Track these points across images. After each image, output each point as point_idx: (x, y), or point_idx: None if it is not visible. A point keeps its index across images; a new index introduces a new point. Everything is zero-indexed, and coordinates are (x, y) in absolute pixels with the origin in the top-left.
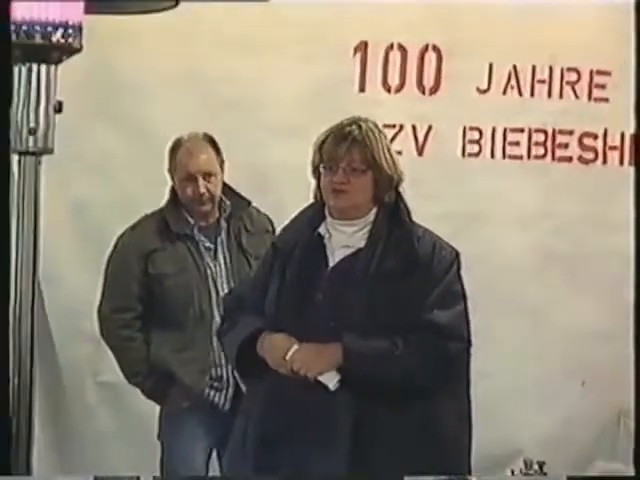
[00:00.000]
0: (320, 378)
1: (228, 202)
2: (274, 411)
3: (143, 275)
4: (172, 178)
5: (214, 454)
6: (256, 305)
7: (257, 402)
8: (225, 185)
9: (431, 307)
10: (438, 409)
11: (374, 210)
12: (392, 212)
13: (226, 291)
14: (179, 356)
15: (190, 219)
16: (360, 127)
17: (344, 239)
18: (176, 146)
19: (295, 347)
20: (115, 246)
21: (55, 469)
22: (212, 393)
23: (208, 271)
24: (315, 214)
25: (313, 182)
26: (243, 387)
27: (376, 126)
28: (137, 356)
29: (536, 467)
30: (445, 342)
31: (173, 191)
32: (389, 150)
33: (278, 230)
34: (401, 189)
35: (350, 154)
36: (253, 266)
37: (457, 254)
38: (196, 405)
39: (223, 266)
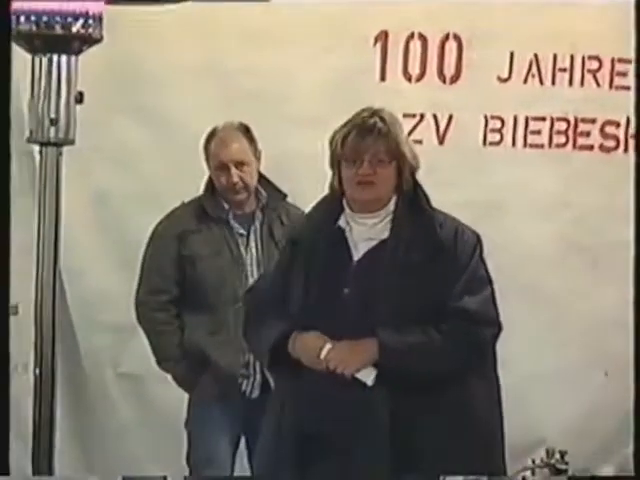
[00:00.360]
0: (357, 375)
1: (264, 193)
2: (310, 409)
3: (177, 256)
4: (209, 168)
5: (242, 443)
6: (280, 303)
7: (291, 400)
8: (262, 177)
9: (460, 294)
10: (472, 393)
11: (393, 200)
12: (412, 200)
13: (255, 278)
14: (213, 339)
15: (226, 205)
16: (383, 119)
17: (366, 231)
18: (211, 136)
19: (328, 345)
20: (153, 231)
21: (77, 462)
22: (240, 380)
23: (241, 257)
24: (333, 207)
25: (330, 174)
26: (272, 383)
27: (394, 116)
28: (171, 340)
29: (558, 456)
30: (477, 328)
31: (210, 180)
32: (407, 139)
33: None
34: (417, 177)
35: (376, 146)
36: None
37: (478, 237)
38: (224, 393)
39: (254, 254)
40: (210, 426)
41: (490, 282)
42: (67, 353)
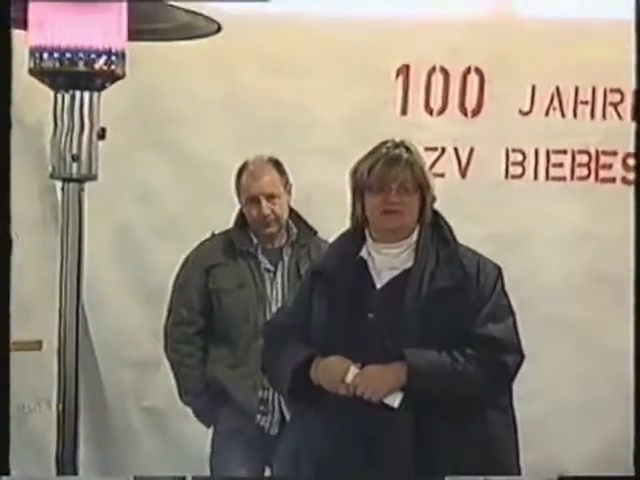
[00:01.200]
0: (388, 403)
1: (295, 229)
2: (332, 434)
3: (204, 289)
4: (240, 201)
5: None
6: (299, 332)
7: (310, 427)
8: (293, 212)
9: (484, 321)
10: (492, 421)
11: (416, 230)
12: (435, 231)
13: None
14: (232, 372)
15: (254, 239)
16: (409, 150)
17: (389, 261)
18: (242, 169)
19: (353, 369)
20: (183, 262)
21: None
22: (259, 416)
23: (266, 292)
24: (355, 238)
25: (351, 205)
26: (287, 414)
27: (416, 147)
28: (193, 373)
29: None
30: (502, 355)
31: (241, 213)
32: (429, 170)
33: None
34: (441, 210)
35: (404, 175)
36: None
37: (500, 269)
38: (244, 428)
39: (280, 289)
40: (232, 460)
41: (512, 312)
42: (90, 388)
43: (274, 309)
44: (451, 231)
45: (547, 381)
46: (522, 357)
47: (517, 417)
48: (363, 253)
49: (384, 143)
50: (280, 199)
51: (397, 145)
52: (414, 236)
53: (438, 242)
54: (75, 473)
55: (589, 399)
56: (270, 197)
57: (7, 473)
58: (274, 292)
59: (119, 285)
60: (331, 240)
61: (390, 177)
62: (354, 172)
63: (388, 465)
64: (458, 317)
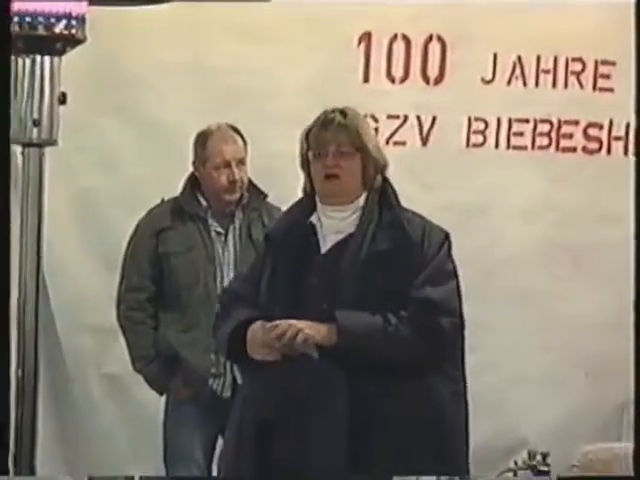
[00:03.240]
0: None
1: (246, 193)
2: (268, 396)
3: (154, 254)
4: (198, 168)
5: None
6: (249, 298)
7: (249, 389)
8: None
9: (422, 284)
10: (432, 388)
11: (363, 196)
12: (381, 197)
13: (232, 277)
14: (184, 337)
15: (204, 202)
16: (344, 113)
17: (335, 225)
18: (204, 136)
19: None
20: (133, 229)
21: (59, 462)
22: (211, 380)
23: (216, 255)
24: (306, 205)
25: (302, 174)
26: (238, 377)
27: (358, 113)
28: (144, 339)
29: (539, 458)
30: (437, 317)
31: (191, 179)
32: (374, 135)
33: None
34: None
35: (337, 137)
36: None
37: (447, 235)
38: (197, 393)
39: (232, 252)
40: (184, 425)
41: (456, 276)
42: (50, 354)
43: (226, 271)
44: (396, 196)
45: (506, 351)
46: (461, 320)
47: (476, 387)
48: (313, 218)
49: (327, 109)
50: (245, 166)
51: (334, 111)
52: (361, 201)
53: (382, 207)
54: (33, 440)
55: (548, 369)
56: (240, 163)
57: (7, 473)
58: (225, 254)
59: (79, 251)
60: (284, 206)
61: (325, 140)
62: (300, 139)
63: (323, 426)
64: (396, 280)
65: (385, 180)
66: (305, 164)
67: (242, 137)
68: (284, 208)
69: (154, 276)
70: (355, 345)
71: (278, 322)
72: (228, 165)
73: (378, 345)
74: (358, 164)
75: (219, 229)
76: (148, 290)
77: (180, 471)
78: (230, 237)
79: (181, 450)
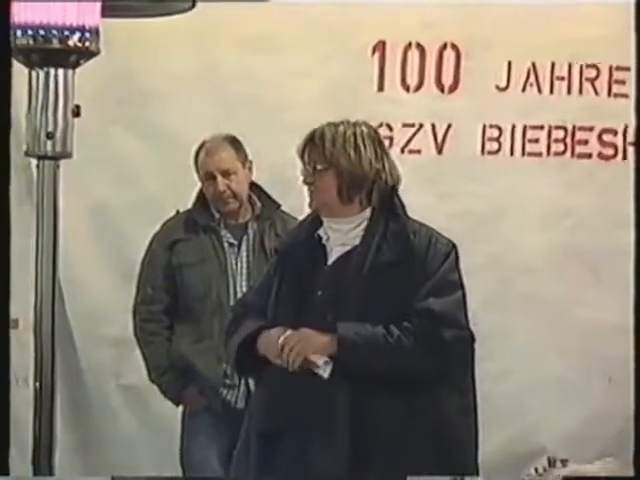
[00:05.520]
0: (313, 360)
1: (259, 203)
2: (272, 407)
3: (167, 265)
4: (199, 179)
5: None
6: (260, 309)
7: (257, 400)
8: (257, 187)
9: (426, 296)
10: (439, 401)
11: (369, 208)
12: (387, 208)
13: (244, 288)
14: (197, 347)
15: (216, 214)
16: (322, 128)
17: (340, 237)
18: (200, 148)
19: (288, 332)
20: (149, 241)
21: (77, 473)
22: (225, 391)
23: (229, 266)
24: (315, 217)
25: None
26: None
27: (350, 124)
28: (159, 351)
29: (559, 465)
30: (440, 329)
31: (201, 190)
32: (355, 147)
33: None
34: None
35: (309, 154)
36: None
37: (454, 246)
38: (211, 404)
39: (245, 264)
40: (199, 436)
41: (462, 287)
42: (68, 366)
43: (239, 282)
44: (403, 208)
45: (523, 357)
46: (467, 332)
47: (494, 394)
48: (320, 231)
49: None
50: (237, 176)
51: (320, 126)
52: (366, 213)
53: (389, 218)
54: (51, 451)
55: (565, 375)
56: (225, 173)
57: (7, 473)
58: (239, 266)
59: (95, 263)
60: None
61: (302, 157)
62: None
63: (326, 437)
64: (400, 291)
65: (393, 190)
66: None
67: (237, 147)
68: (300, 218)
69: (168, 288)
70: (355, 356)
71: (284, 340)
72: (212, 177)
73: (379, 356)
74: (331, 179)
75: (232, 240)
76: (162, 302)
77: None
78: (243, 248)
79: (197, 461)
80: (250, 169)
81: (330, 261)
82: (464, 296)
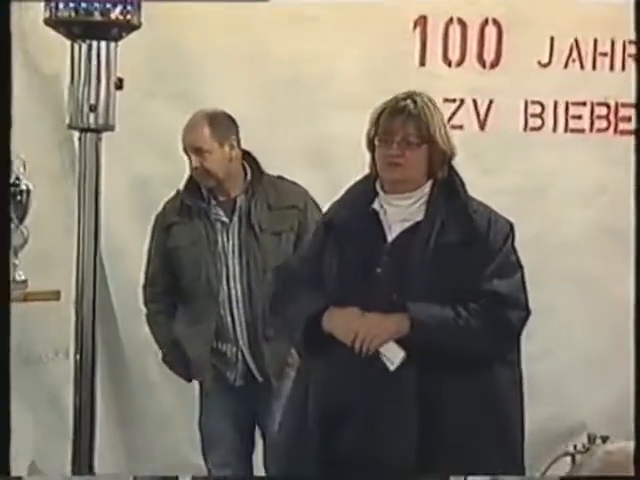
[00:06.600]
0: (384, 352)
1: (249, 178)
2: (338, 384)
3: (165, 248)
4: None
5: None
6: (312, 280)
7: (319, 375)
8: (251, 158)
9: (490, 277)
10: (496, 376)
11: (429, 183)
12: (447, 185)
13: (237, 267)
14: (190, 329)
15: (205, 193)
16: (415, 101)
17: (400, 212)
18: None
19: (363, 316)
20: (153, 222)
21: (117, 448)
22: (223, 368)
23: (219, 246)
24: (367, 189)
25: (368, 155)
26: (252, 364)
27: (431, 100)
28: (162, 331)
29: (599, 442)
30: (506, 310)
31: None
32: (444, 125)
33: (327, 205)
34: (457, 162)
35: (405, 128)
36: (263, 243)
37: (511, 225)
38: (211, 383)
39: (236, 241)
40: (214, 416)
41: (521, 268)
42: (108, 339)
43: (231, 262)
44: (463, 185)
45: (562, 335)
46: (528, 313)
47: (534, 372)
48: (375, 205)
49: (400, 94)
50: (211, 154)
51: (406, 96)
52: (426, 188)
53: (449, 196)
54: (92, 423)
55: (604, 353)
56: (198, 151)
57: (7, 473)
58: (230, 244)
59: (137, 236)
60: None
61: (393, 129)
62: (369, 122)
63: (391, 418)
64: (464, 272)
65: (452, 168)
66: (371, 146)
67: (215, 124)
68: (340, 191)
69: (166, 270)
70: (427, 337)
71: (357, 328)
72: (187, 154)
73: (449, 338)
74: (424, 155)
75: (223, 218)
76: (161, 284)
77: (215, 458)
78: (235, 226)
79: (211, 438)
80: (232, 146)
81: (390, 238)
82: (523, 276)
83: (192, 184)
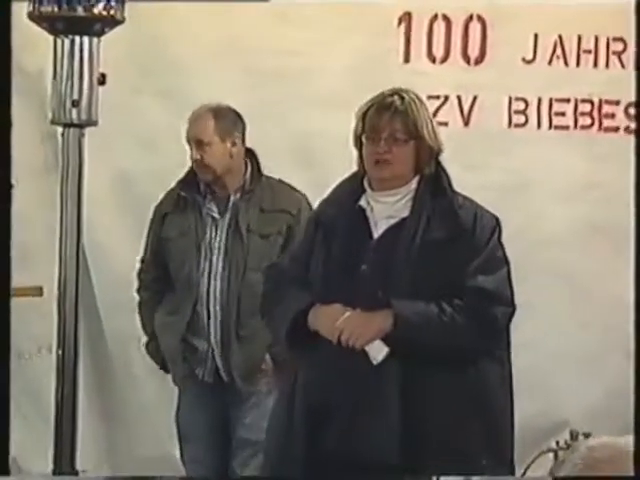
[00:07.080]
0: (368, 349)
1: (247, 177)
2: (323, 380)
3: (157, 237)
4: None
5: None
6: (301, 279)
7: (305, 372)
8: (253, 155)
9: (475, 273)
10: (484, 372)
11: (415, 179)
12: (434, 181)
13: (220, 265)
14: (165, 319)
15: (202, 187)
16: (402, 98)
17: (387, 209)
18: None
19: (347, 314)
20: (153, 211)
21: (99, 441)
22: (193, 363)
23: (206, 241)
24: (354, 187)
25: (355, 152)
26: (219, 362)
27: (418, 97)
28: (146, 318)
29: (582, 438)
30: (490, 306)
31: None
32: (431, 121)
33: (316, 204)
34: (441, 158)
35: (392, 124)
36: (248, 244)
37: (497, 220)
38: (183, 377)
39: (223, 239)
40: (188, 412)
41: (507, 264)
42: (91, 334)
43: (215, 260)
44: (449, 181)
45: (546, 330)
46: (513, 309)
47: (516, 366)
48: (362, 202)
49: (386, 91)
50: (211, 148)
51: (393, 93)
52: (413, 185)
53: (435, 192)
54: (74, 417)
55: (588, 348)
56: (199, 144)
57: (7, 473)
58: (217, 241)
59: (119, 230)
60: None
61: (380, 126)
62: (355, 118)
63: (375, 413)
64: (450, 268)
65: (439, 164)
66: (358, 144)
67: (220, 118)
68: (323, 188)
69: (157, 259)
70: (411, 334)
71: (342, 323)
72: (190, 146)
73: (434, 334)
74: (411, 151)
75: (215, 214)
76: (152, 272)
77: (189, 453)
78: (225, 223)
79: (185, 433)
80: (234, 143)
81: (376, 235)
82: (509, 271)
83: (191, 176)
